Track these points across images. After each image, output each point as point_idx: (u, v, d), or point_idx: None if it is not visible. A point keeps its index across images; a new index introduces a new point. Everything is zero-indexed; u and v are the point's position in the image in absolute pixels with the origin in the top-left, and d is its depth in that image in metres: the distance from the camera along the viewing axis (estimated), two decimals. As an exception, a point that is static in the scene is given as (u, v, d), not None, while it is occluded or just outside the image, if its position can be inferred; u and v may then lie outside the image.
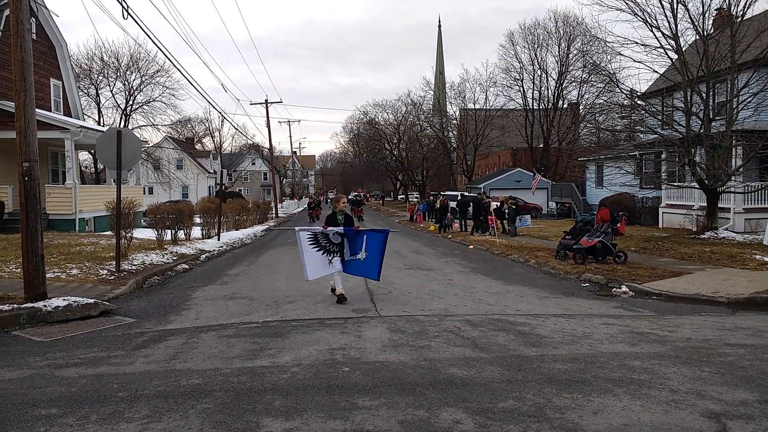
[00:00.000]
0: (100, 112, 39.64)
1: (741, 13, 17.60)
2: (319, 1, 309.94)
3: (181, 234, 17.92)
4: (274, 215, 42.00)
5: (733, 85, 17.62)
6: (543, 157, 48.16)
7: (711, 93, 18.47)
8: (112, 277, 10.69)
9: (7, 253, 12.49)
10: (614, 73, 21.97)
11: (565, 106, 48.86)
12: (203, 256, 15.71)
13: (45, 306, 7.72)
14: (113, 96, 39.93)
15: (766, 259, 12.79)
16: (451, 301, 9.02)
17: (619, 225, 13.39)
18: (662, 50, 18.79)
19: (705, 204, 19.29)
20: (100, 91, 39.28)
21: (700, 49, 18.33)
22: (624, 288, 10.31)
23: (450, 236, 23.79)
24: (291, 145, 75.80)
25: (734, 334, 6.56)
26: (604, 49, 23.44)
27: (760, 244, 15.71)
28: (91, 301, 8.20)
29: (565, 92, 47.93)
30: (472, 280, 11.61)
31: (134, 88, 39.79)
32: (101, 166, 34.68)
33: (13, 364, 5.52)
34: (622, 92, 21.56)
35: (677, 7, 18.07)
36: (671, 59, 19.19)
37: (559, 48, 46.57)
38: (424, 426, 3.71)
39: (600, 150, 32.26)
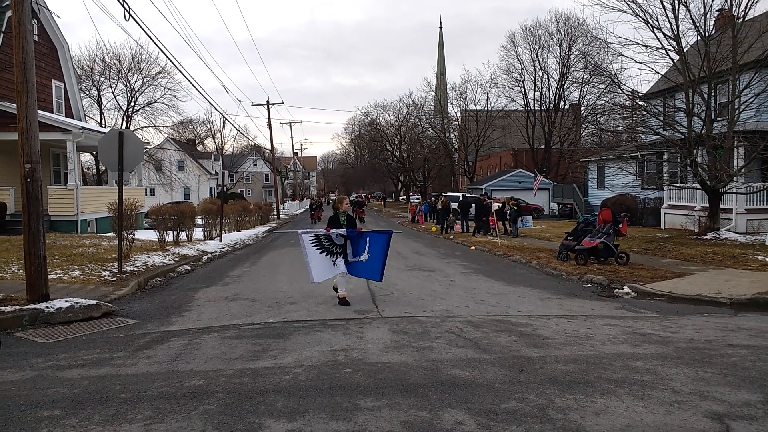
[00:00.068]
0: (101, 113, 39.77)
1: (742, 13, 17.59)
2: (320, 1, 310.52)
3: (182, 235, 17.95)
4: (275, 216, 42.04)
5: (735, 85, 17.60)
6: (544, 158, 48.12)
7: (712, 94, 18.45)
8: (114, 279, 10.70)
9: (9, 255, 12.50)
10: (616, 74, 21.97)
11: (566, 107, 48.78)
12: (205, 257, 15.72)
13: (47, 307, 7.73)
14: (115, 97, 40.09)
15: (768, 259, 12.77)
16: (453, 302, 9.02)
17: (620, 226, 13.39)
18: (663, 51, 18.80)
19: (707, 205, 19.26)
20: (101, 93, 39.44)
21: (701, 50, 18.31)
22: (626, 289, 10.30)
23: (452, 237, 23.78)
24: (292, 146, 75.95)
25: (737, 335, 6.55)
26: (606, 50, 23.41)
27: (762, 245, 15.69)
28: (94, 302, 8.22)
29: (566, 93, 47.89)
30: (474, 281, 11.60)
31: (136, 89, 39.92)
32: (103, 168, 34.75)
33: (15, 366, 5.52)
34: (624, 93, 21.55)
35: (678, 8, 18.07)
36: (673, 60, 19.17)
37: (560, 49, 46.56)
38: (426, 427, 3.71)
39: (601, 151, 32.22)
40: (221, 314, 8.17)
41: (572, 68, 46.28)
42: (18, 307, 7.71)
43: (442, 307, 8.48)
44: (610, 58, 25.33)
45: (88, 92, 38.05)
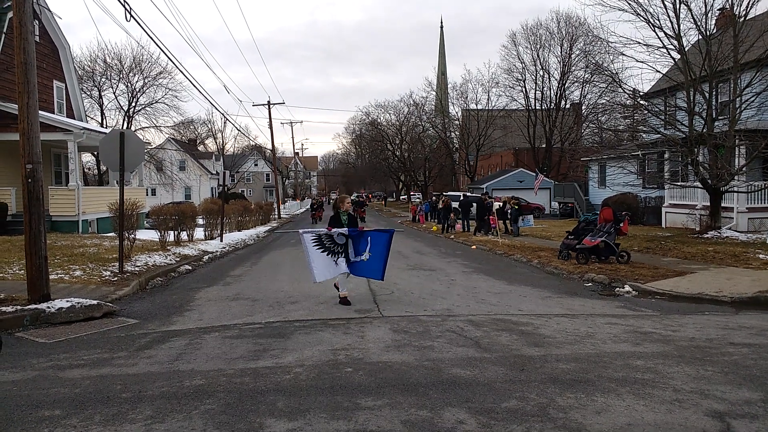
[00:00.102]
0: (103, 113, 39.83)
1: (744, 12, 17.55)
2: (321, 2, 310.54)
3: (183, 235, 17.96)
4: (276, 216, 42.04)
5: (736, 84, 17.58)
6: (545, 157, 48.10)
7: (714, 93, 18.43)
8: (115, 279, 10.72)
9: (10, 255, 12.52)
10: (617, 73, 21.91)
11: (567, 106, 48.77)
12: (206, 257, 15.74)
13: (48, 307, 7.74)
14: (116, 98, 40.13)
15: (769, 258, 12.75)
16: (453, 301, 9.02)
17: (621, 225, 13.38)
18: (665, 50, 18.78)
19: (708, 203, 19.25)
20: (102, 93, 39.49)
21: (702, 49, 18.29)
22: (627, 288, 10.29)
23: (452, 237, 23.77)
24: (293, 146, 75.76)
25: (738, 334, 6.54)
26: (607, 49, 23.36)
27: (763, 244, 15.68)
28: (95, 302, 8.23)
29: (567, 92, 47.88)
30: (475, 280, 11.60)
31: (137, 89, 39.97)
32: (104, 168, 34.78)
33: (16, 366, 5.53)
34: (625, 92, 21.51)
35: (680, 7, 18.06)
36: (674, 59, 19.16)
37: (561, 48, 46.54)
38: (427, 426, 3.71)
39: (603, 150, 32.20)
40: (222, 314, 8.18)
41: (573, 67, 46.32)
42: (19, 307, 7.73)
43: (443, 307, 8.48)
44: (611, 57, 25.24)
45: (89, 93, 38.13)
